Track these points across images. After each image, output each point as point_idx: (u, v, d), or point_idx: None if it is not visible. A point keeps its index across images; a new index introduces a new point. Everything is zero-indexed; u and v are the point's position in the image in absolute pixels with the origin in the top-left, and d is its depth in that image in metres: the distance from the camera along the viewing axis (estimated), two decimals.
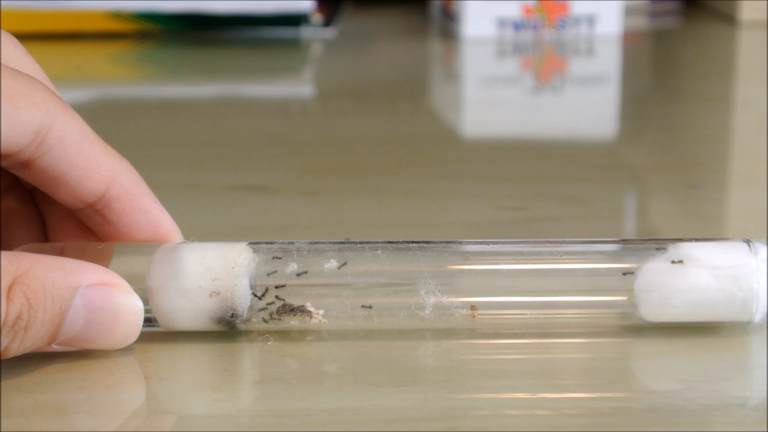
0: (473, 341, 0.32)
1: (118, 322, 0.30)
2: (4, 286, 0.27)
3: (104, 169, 0.30)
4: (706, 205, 0.46)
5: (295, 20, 0.84)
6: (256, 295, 0.31)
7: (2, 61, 0.29)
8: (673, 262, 0.31)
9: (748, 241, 0.32)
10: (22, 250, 0.31)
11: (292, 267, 0.31)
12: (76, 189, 0.30)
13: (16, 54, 0.31)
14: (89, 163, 0.30)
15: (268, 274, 0.31)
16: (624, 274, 0.31)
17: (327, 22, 0.86)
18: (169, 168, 0.50)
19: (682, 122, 0.62)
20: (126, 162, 0.31)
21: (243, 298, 0.31)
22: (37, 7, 0.82)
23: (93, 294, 0.29)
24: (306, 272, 0.31)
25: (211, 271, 0.31)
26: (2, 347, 0.28)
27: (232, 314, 0.31)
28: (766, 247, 0.32)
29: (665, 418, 0.28)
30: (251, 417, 0.28)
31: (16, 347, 0.28)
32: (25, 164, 0.29)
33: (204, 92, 0.72)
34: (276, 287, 0.31)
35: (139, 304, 0.30)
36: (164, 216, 0.32)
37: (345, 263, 0.31)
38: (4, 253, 0.28)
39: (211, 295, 0.31)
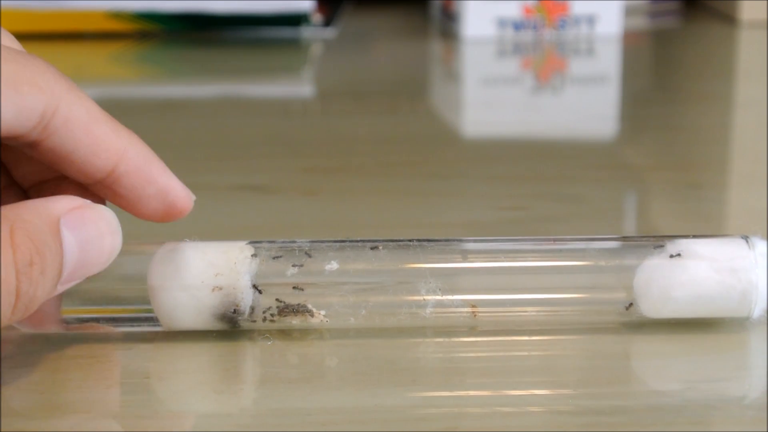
0: (474, 339, 0.32)
1: (103, 239, 0.29)
2: (5, 235, 0.27)
3: (112, 148, 0.30)
4: (706, 205, 0.46)
5: (295, 20, 0.84)
6: (258, 289, 0.31)
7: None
8: (671, 256, 0.32)
9: (745, 237, 0.32)
10: None
11: (293, 269, 0.32)
12: (84, 167, 0.30)
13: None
14: (96, 142, 0.30)
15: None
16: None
17: (327, 22, 0.86)
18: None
19: (682, 122, 0.62)
20: (134, 137, 0.31)
21: (245, 293, 0.31)
22: (37, 7, 0.82)
23: (74, 220, 0.29)
24: (303, 289, 0.31)
25: (214, 267, 0.31)
26: (29, 297, 0.27)
27: (235, 310, 0.31)
28: (763, 241, 0.32)
29: (665, 418, 0.28)
30: (252, 417, 0.28)
31: (41, 294, 0.27)
32: (32, 145, 0.29)
33: (204, 92, 0.72)
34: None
35: (112, 214, 0.30)
36: (173, 182, 0.32)
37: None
38: None
39: (213, 290, 0.31)
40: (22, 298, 0.27)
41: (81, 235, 0.29)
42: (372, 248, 0.32)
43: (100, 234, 0.29)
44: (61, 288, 0.29)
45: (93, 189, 0.32)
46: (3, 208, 0.28)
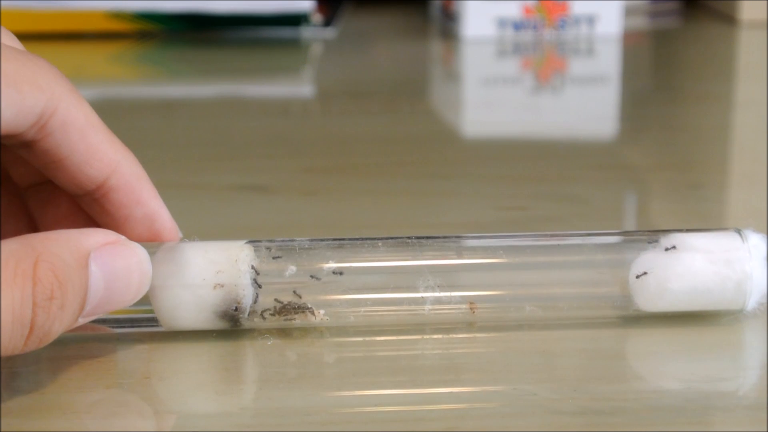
0: (473, 335, 0.32)
1: (132, 276, 0.29)
2: (28, 268, 0.27)
3: (106, 158, 0.30)
4: (706, 205, 0.46)
5: (295, 20, 0.84)
6: (257, 284, 0.31)
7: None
8: (666, 249, 0.32)
9: (738, 230, 0.33)
10: None
11: (292, 269, 0.32)
12: (75, 175, 0.30)
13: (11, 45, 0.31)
14: (91, 150, 0.30)
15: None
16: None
17: (327, 22, 0.86)
18: (169, 168, 0.50)
19: (682, 122, 0.62)
20: (129, 153, 0.31)
21: (247, 290, 0.31)
22: (37, 7, 0.82)
23: (104, 256, 0.28)
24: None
25: (215, 264, 0.31)
26: (44, 331, 0.27)
27: (236, 307, 0.31)
28: (755, 234, 0.32)
29: (665, 418, 0.28)
30: (252, 416, 0.28)
31: (58, 327, 0.27)
32: (28, 145, 0.29)
33: (204, 92, 0.72)
34: (294, 292, 0.31)
35: (144, 252, 0.30)
36: (162, 211, 0.32)
37: (341, 273, 0.32)
38: (15, 239, 0.27)
39: (215, 287, 0.31)
40: (36, 331, 0.27)
41: (109, 272, 0.29)
42: (370, 246, 0.32)
43: (129, 271, 0.29)
44: (83, 320, 0.29)
45: (82, 202, 0.31)
46: (33, 237, 0.27)
